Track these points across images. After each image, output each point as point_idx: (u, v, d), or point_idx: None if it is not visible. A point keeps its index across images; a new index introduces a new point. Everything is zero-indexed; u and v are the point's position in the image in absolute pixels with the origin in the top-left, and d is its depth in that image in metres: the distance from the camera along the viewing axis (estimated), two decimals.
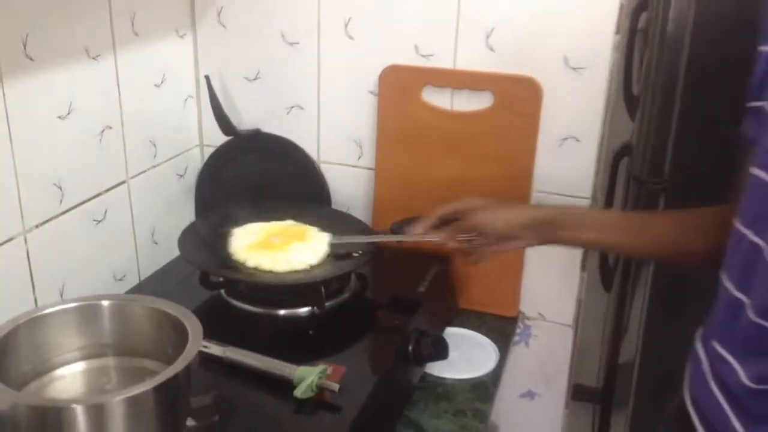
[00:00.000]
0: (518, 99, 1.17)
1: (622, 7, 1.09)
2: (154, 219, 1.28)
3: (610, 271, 1.68)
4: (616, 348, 1.66)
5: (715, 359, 0.78)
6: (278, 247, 1.11)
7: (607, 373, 1.65)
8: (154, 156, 1.26)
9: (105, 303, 0.82)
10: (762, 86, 0.79)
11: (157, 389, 0.67)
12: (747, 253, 0.74)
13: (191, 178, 1.37)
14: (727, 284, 0.77)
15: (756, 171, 0.75)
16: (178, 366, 0.68)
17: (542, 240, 0.99)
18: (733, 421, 0.73)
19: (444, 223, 1.02)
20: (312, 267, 1.09)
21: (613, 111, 1.77)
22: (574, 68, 1.13)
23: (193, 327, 0.75)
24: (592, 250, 1.27)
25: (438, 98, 1.21)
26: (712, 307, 0.80)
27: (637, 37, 1.70)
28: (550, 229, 0.97)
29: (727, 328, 0.76)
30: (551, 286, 1.26)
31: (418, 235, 1.03)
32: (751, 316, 0.71)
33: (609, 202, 1.97)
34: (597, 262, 1.73)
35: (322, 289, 1.05)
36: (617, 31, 1.10)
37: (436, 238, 1.01)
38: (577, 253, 1.24)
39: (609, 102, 1.17)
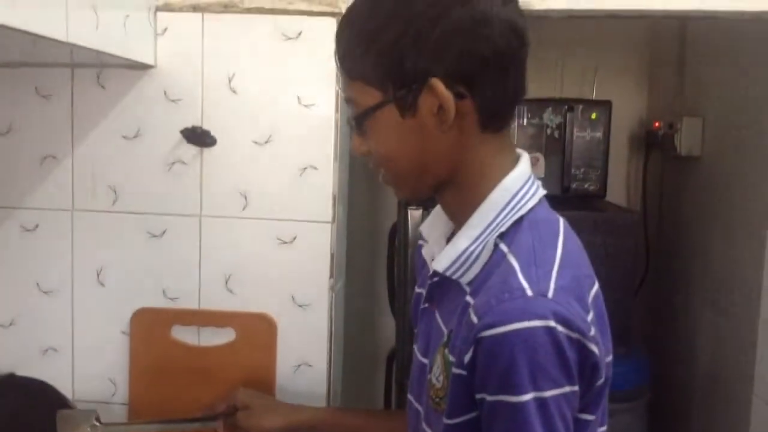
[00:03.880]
0: (257, 333, 1.34)
1: (332, 256, 1.33)
2: None
3: None
4: None
5: None
6: None
7: None
8: None
9: None
10: (414, 316, 1.03)
11: None
12: (414, 417, 0.93)
13: None
14: None
15: (414, 347, 0.96)
16: None
17: None
18: None
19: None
20: None
21: (383, 318, 2.00)
22: (300, 305, 1.33)
23: None
24: None
25: (186, 335, 1.35)
26: None
27: (396, 255, 2.00)
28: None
29: None
30: None
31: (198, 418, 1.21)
32: None
33: (387, 403, 2.15)
34: None
35: None
36: (331, 275, 1.33)
37: (210, 426, 1.19)
38: None
39: (332, 332, 1.36)
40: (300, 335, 1.34)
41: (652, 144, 2.14)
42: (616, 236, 1.89)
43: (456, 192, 0.86)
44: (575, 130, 1.97)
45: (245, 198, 1.32)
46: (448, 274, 0.84)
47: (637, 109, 2.21)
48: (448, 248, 0.84)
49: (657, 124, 2.10)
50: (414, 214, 1.84)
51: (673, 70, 2.11)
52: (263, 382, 1.33)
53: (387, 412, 1.28)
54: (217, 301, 1.34)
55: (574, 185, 2.00)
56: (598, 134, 1.99)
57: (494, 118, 0.84)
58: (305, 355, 1.34)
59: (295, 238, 1.32)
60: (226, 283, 1.34)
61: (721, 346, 1.76)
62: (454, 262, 0.83)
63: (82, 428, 1.18)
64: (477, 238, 0.82)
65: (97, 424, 1.18)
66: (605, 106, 1.97)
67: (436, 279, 0.88)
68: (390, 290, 2.09)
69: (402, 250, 1.89)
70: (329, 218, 1.32)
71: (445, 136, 0.82)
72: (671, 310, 2.06)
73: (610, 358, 0.82)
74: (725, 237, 1.78)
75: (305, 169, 1.30)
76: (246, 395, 1.21)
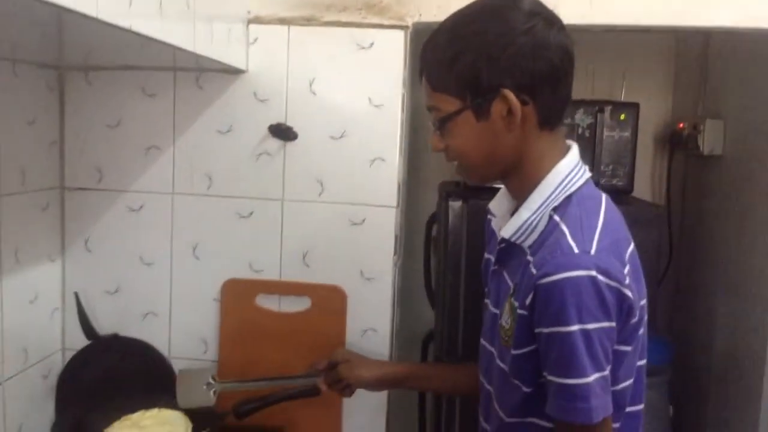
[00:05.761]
0: (329, 302, 1.54)
1: (396, 236, 1.53)
2: (22, 418, 1.46)
3: None
4: None
5: None
6: None
7: None
8: (25, 361, 1.48)
9: None
10: (485, 276, 1.22)
11: None
12: (486, 357, 1.12)
13: (54, 379, 1.58)
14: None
15: (487, 301, 1.16)
16: None
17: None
18: None
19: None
20: None
21: (419, 303, 2.18)
22: (368, 278, 1.54)
23: None
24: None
25: (268, 303, 1.56)
26: None
27: (432, 244, 2.16)
28: (396, 384, 1.39)
29: None
30: None
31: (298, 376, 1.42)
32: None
33: None
34: None
35: None
36: (395, 253, 1.53)
37: (313, 381, 1.41)
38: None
39: (395, 302, 1.57)
40: (367, 304, 1.54)
41: (676, 143, 2.29)
42: (642, 229, 2.03)
43: (518, 176, 1.08)
44: (605, 130, 2.13)
45: (322, 185, 1.53)
46: (513, 239, 1.05)
47: (662, 110, 2.37)
48: (513, 219, 1.05)
49: (681, 125, 2.26)
50: (454, 205, 2.02)
51: (697, 75, 2.27)
52: (334, 345, 1.53)
53: (462, 365, 1.45)
54: (296, 273, 1.55)
55: (603, 181, 2.16)
56: (626, 134, 2.14)
57: (549, 119, 1.05)
58: (371, 322, 1.55)
59: (364, 220, 1.53)
60: (304, 258, 1.55)
61: (737, 328, 1.93)
62: (518, 230, 1.04)
63: (199, 385, 1.38)
64: (536, 211, 1.03)
65: (213, 381, 1.39)
66: (633, 107, 2.13)
67: (503, 245, 1.09)
68: (426, 278, 2.26)
69: (443, 238, 2.06)
70: (394, 203, 1.52)
71: (511, 134, 1.03)
72: (692, 297, 2.23)
73: (644, 301, 1.03)
74: (742, 229, 1.95)
75: (374, 160, 1.51)
76: (345, 352, 1.43)
